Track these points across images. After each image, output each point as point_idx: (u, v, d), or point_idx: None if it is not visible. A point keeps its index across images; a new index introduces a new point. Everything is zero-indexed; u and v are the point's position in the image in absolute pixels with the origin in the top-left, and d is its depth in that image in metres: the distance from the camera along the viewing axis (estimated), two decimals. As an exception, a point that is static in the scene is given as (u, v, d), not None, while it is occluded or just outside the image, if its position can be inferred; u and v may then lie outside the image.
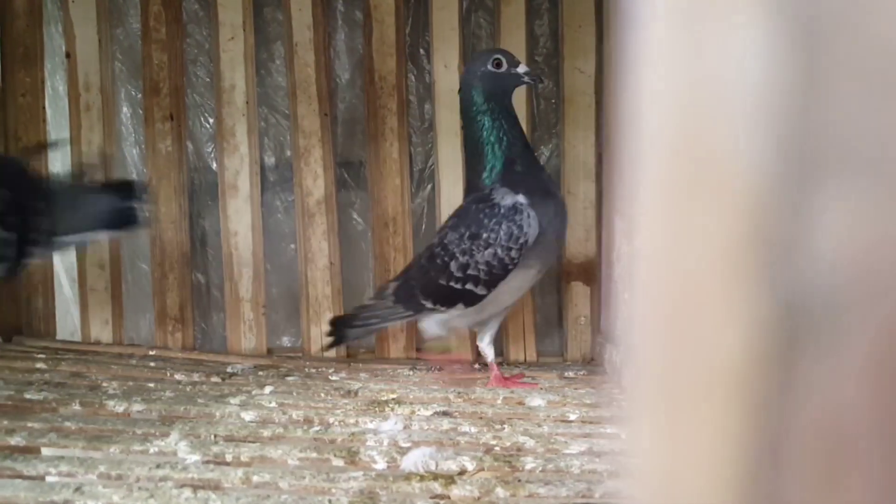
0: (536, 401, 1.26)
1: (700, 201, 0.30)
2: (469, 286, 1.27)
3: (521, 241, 1.23)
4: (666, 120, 0.31)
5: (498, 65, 1.27)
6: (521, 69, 1.29)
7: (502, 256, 1.24)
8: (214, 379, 1.42)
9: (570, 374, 1.48)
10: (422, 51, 1.72)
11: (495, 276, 1.25)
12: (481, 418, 1.19)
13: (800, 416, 0.29)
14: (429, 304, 1.34)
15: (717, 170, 0.30)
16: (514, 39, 1.63)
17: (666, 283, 0.32)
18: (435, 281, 1.31)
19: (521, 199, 1.25)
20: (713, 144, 0.29)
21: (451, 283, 1.29)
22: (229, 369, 1.50)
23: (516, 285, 1.31)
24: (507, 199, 1.25)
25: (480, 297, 1.29)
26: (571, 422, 1.18)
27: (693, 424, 0.31)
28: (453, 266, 1.27)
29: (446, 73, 1.63)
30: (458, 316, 1.35)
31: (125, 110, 1.77)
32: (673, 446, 0.32)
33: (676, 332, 0.31)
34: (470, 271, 1.26)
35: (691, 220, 0.31)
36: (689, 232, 0.31)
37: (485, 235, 1.24)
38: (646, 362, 0.33)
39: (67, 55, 1.70)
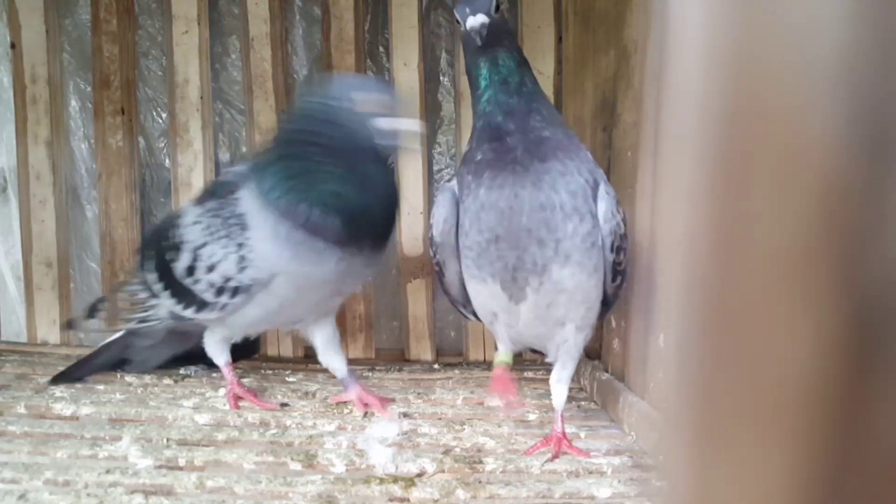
0: (496, 401, 1.26)
1: (760, 182, 0.23)
2: None
3: None
4: (720, 79, 0.24)
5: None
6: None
7: None
8: (167, 381, 1.38)
9: (530, 374, 1.48)
10: (381, 48, 1.71)
11: None
12: (441, 419, 1.18)
13: (875, 437, 0.23)
14: None
15: (783, 142, 0.23)
16: (473, 38, 1.62)
17: (715, 285, 0.25)
18: None
19: None
20: (779, 110, 0.23)
21: None
22: (182, 371, 1.47)
23: None
24: None
25: None
26: (531, 422, 1.18)
27: (749, 451, 0.25)
28: None
29: (406, 70, 1.62)
30: None
31: (74, 104, 1.71)
32: (722, 476, 0.26)
33: (729, 344, 0.25)
34: None
35: (748, 206, 0.24)
36: (744, 221, 0.24)
37: None
38: (690, 381, 0.26)
39: (12, 45, 1.64)
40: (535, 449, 1.03)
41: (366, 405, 1.22)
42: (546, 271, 0.94)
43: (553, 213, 0.92)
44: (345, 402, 1.25)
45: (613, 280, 0.99)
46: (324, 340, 1.28)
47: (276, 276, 1.10)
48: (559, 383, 1.05)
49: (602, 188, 0.96)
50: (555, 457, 1.00)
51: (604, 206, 0.95)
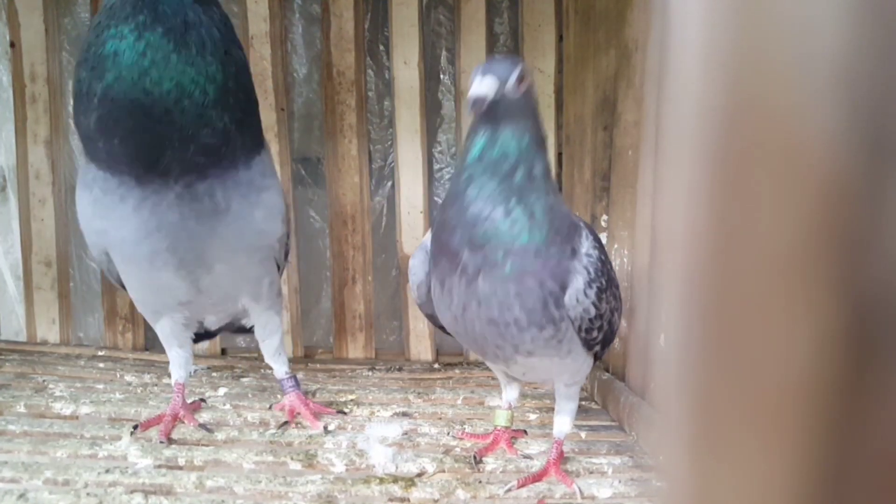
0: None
1: (758, 183, 0.23)
2: None
3: None
4: (720, 77, 0.24)
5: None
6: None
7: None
8: (166, 380, 1.38)
9: (529, 373, 1.48)
10: (381, 46, 1.70)
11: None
12: (441, 419, 1.18)
13: (875, 438, 0.23)
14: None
15: (783, 141, 0.23)
16: (473, 37, 1.62)
17: (715, 286, 0.25)
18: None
19: None
20: (777, 112, 0.23)
21: None
22: (182, 370, 1.46)
23: None
24: None
25: None
26: (531, 422, 1.18)
27: (749, 452, 0.25)
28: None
29: (406, 69, 1.62)
30: None
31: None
32: (722, 476, 0.26)
33: (729, 344, 0.25)
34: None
35: (747, 207, 0.24)
36: (744, 220, 0.24)
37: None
38: (690, 381, 0.26)
39: (12, 45, 1.64)
40: (525, 483, 0.94)
41: (294, 415, 1.13)
42: (511, 359, 0.90)
43: (507, 328, 0.85)
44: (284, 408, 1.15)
45: (590, 349, 0.92)
46: (259, 337, 1.16)
47: (105, 250, 0.95)
48: (559, 414, 0.99)
49: (573, 276, 0.84)
50: (526, 482, 0.94)
51: (571, 293, 0.84)
